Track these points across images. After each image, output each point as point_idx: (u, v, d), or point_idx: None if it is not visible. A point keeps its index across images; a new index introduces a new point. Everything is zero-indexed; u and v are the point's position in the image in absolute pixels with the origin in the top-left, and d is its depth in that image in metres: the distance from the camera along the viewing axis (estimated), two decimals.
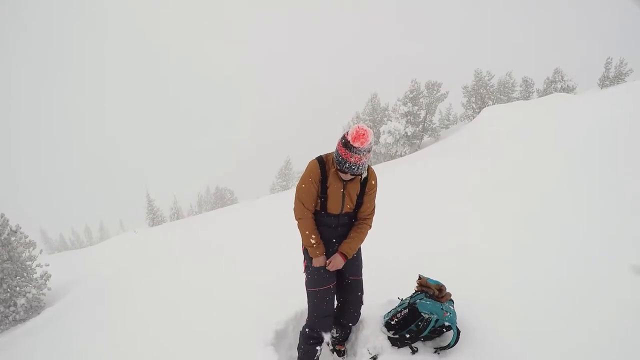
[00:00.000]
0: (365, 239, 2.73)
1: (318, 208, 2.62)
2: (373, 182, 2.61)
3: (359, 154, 2.28)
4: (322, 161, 2.54)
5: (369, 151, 2.32)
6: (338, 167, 2.39)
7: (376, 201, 2.72)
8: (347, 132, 2.31)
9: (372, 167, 2.67)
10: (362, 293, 2.91)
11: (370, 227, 2.71)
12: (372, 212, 2.70)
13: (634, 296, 2.73)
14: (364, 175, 2.53)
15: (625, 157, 5.48)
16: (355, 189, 2.56)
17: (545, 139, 7.73)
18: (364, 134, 2.24)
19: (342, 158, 2.32)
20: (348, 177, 2.45)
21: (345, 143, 2.30)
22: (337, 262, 2.62)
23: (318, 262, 2.65)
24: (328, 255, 2.69)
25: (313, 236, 2.61)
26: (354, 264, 2.81)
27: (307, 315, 2.84)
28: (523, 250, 3.78)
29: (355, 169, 2.33)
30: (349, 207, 2.61)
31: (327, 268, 2.64)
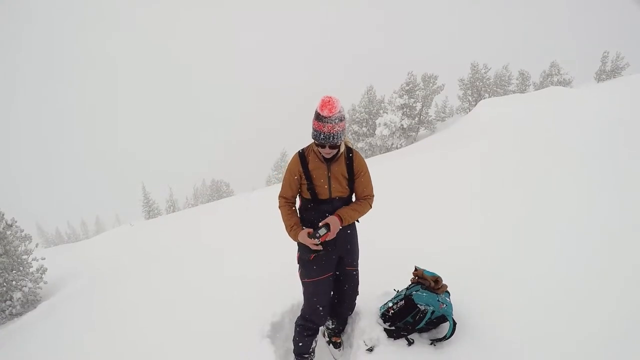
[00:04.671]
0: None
1: (309, 197, 2.62)
2: (359, 163, 2.60)
3: (330, 123, 2.30)
4: (302, 150, 2.62)
5: (341, 120, 2.34)
6: (315, 143, 2.42)
7: (374, 191, 2.71)
8: (317, 105, 2.34)
9: (369, 158, 2.67)
10: (358, 284, 2.92)
11: (371, 206, 2.68)
12: (371, 194, 2.66)
13: (636, 296, 2.72)
14: (342, 149, 2.53)
15: (627, 154, 5.42)
16: (340, 170, 2.55)
17: (544, 133, 7.71)
18: (329, 101, 2.28)
19: (316, 130, 2.35)
20: (327, 151, 2.44)
21: (316, 115, 2.33)
22: (334, 224, 2.45)
23: (303, 237, 2.49)
24: (329, 258, 2.65)
25: (288, 222, 2.63)
26: (350, 254, 2.81)
27: (301, 307, 2.84)
28: (522, 248, 3.75)
29: (330, 138, 2.34)
30: (338, 190, 2.58)
31: (325, 233, 2.46)
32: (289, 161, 2.67)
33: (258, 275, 4.44)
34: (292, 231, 2.60)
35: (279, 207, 2.70)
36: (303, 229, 2.57)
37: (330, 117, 2.28)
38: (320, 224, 2.48)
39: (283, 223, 2.66)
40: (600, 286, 2.90)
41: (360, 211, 2.61)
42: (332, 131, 2.31)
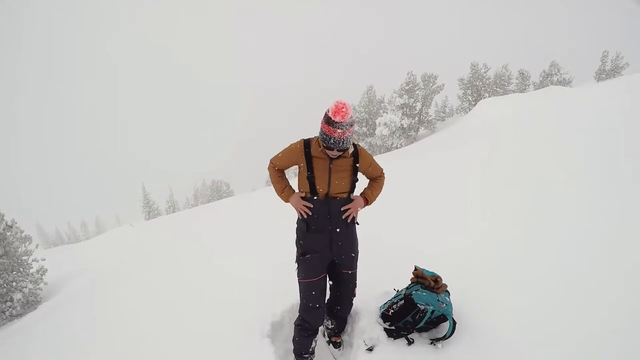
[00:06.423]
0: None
1: (307, 190, 2.62)
2: (365, 156, 2.68)
3: (341, 129, 2.32)
4: (307, 140, 2.65)
5: (352, 125, 2.36)
6: (324, 145, 2.43)
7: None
8: (329, 109, 2.34)
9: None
10: (355, 286, 2.93)
11: (384, 178, 2.90)
12: (382, 173, 2.86)
13: (636, 296, 2.71)
14: (350, 151, 2.57)
15: (627, 152, 5.39)
16: (343, 164, 2.57)
17: (544, 133, 7.70)
18: (342, 107, 2.28)
19: (326, 134, 2.36)
20: (335, 153, 2.47)
21: (327, 119, 2.34)
22: (358, 202, 2.70)
23: (295, 200, 2.66)
24: (324, 259, 2.70)
25: (279, 185, 2.78)
26: (349, 256, 2.81)
27: (299, 307, 2.85)
28: (523, 248, 3.73)
29: (340, 143, 2.37)
30: (337, 184, 2.57)
31: (347, 211, 2.65)
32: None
33: (258, 275, 4.44)
34: (283, 193, 2.74)
35: (268, 168, 2.81)
36: (294, 192, 2.73)
37: (342, 122, 2.30)
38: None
39: (272, 185, 2.81)
40: (600, 286, 2.89)
41: (380, 188, 2.85)
42: (342, 137, 2.34)
